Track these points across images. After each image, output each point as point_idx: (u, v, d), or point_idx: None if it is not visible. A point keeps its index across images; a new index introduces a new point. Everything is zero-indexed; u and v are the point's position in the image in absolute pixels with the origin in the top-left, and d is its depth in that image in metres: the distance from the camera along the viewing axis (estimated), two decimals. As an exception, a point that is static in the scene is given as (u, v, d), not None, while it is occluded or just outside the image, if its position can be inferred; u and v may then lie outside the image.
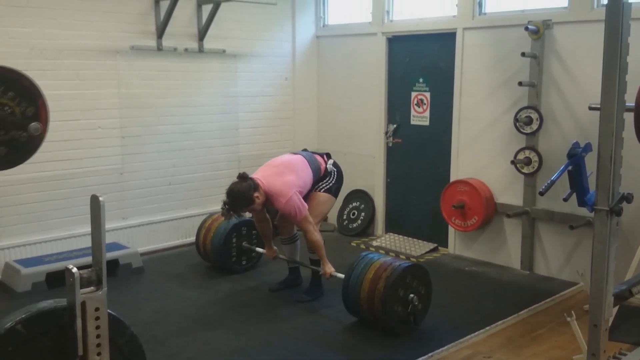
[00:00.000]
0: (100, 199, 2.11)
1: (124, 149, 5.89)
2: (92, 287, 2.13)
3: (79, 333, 2.08)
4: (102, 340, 2.13)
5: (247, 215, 4.94)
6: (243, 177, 4.52)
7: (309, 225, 4.64)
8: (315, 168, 4.82)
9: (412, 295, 4.18)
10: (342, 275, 4.46)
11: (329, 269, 4.69)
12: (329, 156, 5.02)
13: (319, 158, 4.93)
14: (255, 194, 4.49)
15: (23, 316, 2.07)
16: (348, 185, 5.74)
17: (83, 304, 2.08)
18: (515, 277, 5.54)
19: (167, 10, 5.81)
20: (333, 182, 4.91)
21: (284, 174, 4.63)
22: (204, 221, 5.70)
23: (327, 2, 7.20)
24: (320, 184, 4.85)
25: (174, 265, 5.84)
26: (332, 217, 7.01)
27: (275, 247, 5.13)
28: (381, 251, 6.02)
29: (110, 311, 2.18)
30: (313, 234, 4.65)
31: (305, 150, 5.17)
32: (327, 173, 4.90)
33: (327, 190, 4.88)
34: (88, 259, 2.16)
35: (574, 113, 5.22)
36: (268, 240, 5.08)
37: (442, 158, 6.21)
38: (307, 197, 4.80)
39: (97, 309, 2.11)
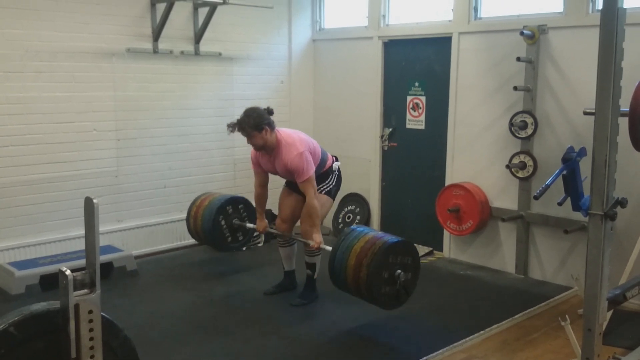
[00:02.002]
0: (94, 201, 2.10)
1: (119, 152, 5.88)
2: (85, 290, 2.12)
3: (72, 336, 2.07)
4: (96, 343, 2.12)
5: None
6: (269, 111, 4.59)
7: (312, 189, 4.58)
8: (323, 158, 4.82)
9: (398, 271, 4.08)
10: (329, 248, 4.37)
11: (319, 238, 4.61)
12: (336, 158, 5.02)
13: (328, 154, 4.94)
14: (266, 127, 4.49)
15: (16, 319, 2.05)
16: (343, 189, 5.73)
17: (76, 306, 2.07)
18: (509, 281, 5.55)
19: (163, 13, 5.81)
20: (333, 184, 4.90)
21: (301, 135, 4.71)
22: (190, 209, 5.54)
23: (324, 5, 7.21)
24: (320, 185, 4.83)
25: (169, 268, 5.83)
26: (328, 221, 7.00)
27: (266, 221, 5.08)
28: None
29: (103, 314, 2.17)
30: (313, 199, 4.59)
31: None
32: (330, 171, 4.87)
33: (327, 193, 4.87)
34: (82, 262, 2.15)
35: (568, 118, 5.24)
36: (261, 211, 5.04)
37: (438, 162, 6.22)
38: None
39: (90, 312, 2.10)
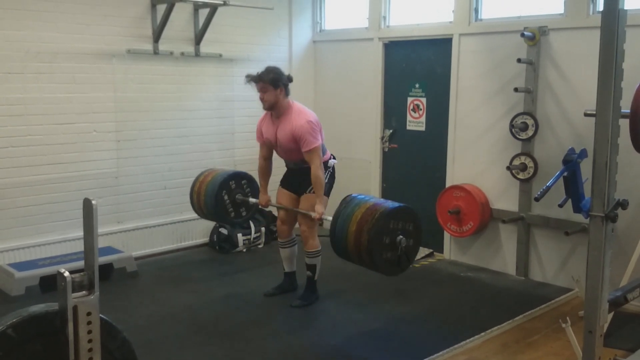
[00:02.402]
0: (93, 202, 2.09)
1: (120, 153, 5.88)
2: (84, 292, 2.10)
3: (71, 338, 2.05)
4: (94, 345, 2.10)
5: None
6: (289, 77, 4.70)
7: (318, 159, 4.59)
8: (323, 150, 4.80)
9: (400, 237, 4.02)
10: (330, 218, 4.33)
11: (321, 209, 4.59)
12: (334, 157, 4.99)
13: (327, 150, 4.93)
14: (282, 87, 4.59)
15: (14, 320, 2.03)
16: (344, 190, 5.70)
17: (75, 308, 2.05)
18: (510, 282, 5.54)
19: (164, 15, 5.80)
20: (326, 181, 4.87)
21: (312, 113, 4.78)
22: (193, 185, 5.41)
23: (324, 7, 7.21)
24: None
25: (169, 269, 5.82)
26: (328, 222, 6.98)
27: (269, 195, 5.06)
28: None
29: (102, 316, 2.16)
30: (318, 169, 4.59)
31: None
32: (325, 166, 4.82)
33: None
34: (82, 263, 2.14)
35: (569, 119, 5.23)
36: (264, 184, 5.03)
37: (438, 163, 6.22)
38: (302, 199, 4.80)
39: (89, 314, 2.08)
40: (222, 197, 5.22)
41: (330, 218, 4.31)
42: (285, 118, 4.64)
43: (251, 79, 4.66)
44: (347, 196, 4.33)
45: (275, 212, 5.36)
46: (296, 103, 4.73)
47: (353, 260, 4.20)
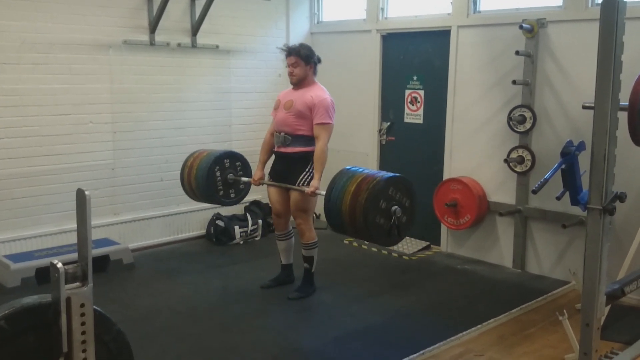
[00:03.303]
0: (86, 193, 2.08)
1: (116, 144, 5.85)
2: (77, 283, 2.09)
3: (64, 329, 2.04)
4: (88, 337, 2.09)
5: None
6: (319, 58, 4.87)
7: (326, 135, 4.70)
8: None
9: (395, 207, 4.01)
10: (323, 193, 4.27)
11: (316, 184, 4.57)
12: None
13: None
14: (312, 65, 4.77)
15: (6, 312, 2.02)
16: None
17: (68, 299, 2.04)
18: (507, 275, 5.54)
19: (160, 5, 5.76)
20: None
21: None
22: (186, 160, 5.28)
23: (322, -2, 7.18)
24: (310, 169, 4.73)
25: (165, 261, 5.81)
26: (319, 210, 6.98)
27: (264, 172, 5.04)
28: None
29: (96, 307, 2.15)
30: (324, 147, 4.67)
31: None
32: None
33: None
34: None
35: (567, 112, 5.21)
36: (264, 159, 5.03)
37: (436, 156, 6.20)
38: (292, 194, 4.75)
39: (82, 305, 2.07)
40: (214, 172, 5.10)
41: (324, 193, 4.23)
42: (308, 89, 4.76)
43: (287, 50, 4.78)
44: (346, 166, 4.29)
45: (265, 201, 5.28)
46: (320, 84, 4.85)
47: (345, 223, 4.08)
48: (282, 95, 4.95)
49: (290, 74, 4.77)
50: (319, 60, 4.86)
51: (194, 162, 5.18)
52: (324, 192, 4.26)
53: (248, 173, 5.19)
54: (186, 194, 5.32)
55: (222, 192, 5.17)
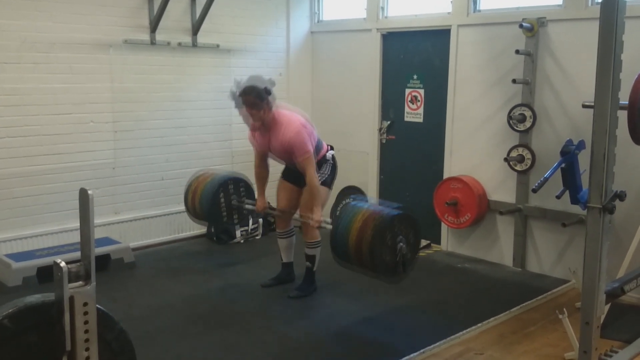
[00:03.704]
0: (89, 192, 2.09)
1: (117, 144, 5.86)
2: (80, 282, 2.10)
3: (67, 328, 2.05)
4: (91, 335, 2.10)
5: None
6: (268, 90, 4.51)
7: (311, 167, 4.53)
8: (319, 145, 4.76)
9: (400, 244, 4.02)
10: (330, 226, 4.30)
11: (319, 217, 4.55)
12: (331, 147, 4.98)
13: (323, 143, 4.89)
14: (267, 103, 4.45)
15: (10, 311, 2.03)
16: (341, 182, 5.73)
17: (71, 298, 2.05)
18: (507, 274, 5.54)
19: (161, 4, 5.77)
20: (328, 173, 4.85)
21: (299, 116, 4.64)
22: (189, 185, 5.38)
23: (322, -3, 7.19)
24: (321, 178, 4.75)
25: (166, 260, 5.82)
26: (325, 213, 6.98)
27: (266, 200, 5.03)
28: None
29: (99, 306, 2.15)
30: (313, 178, 4.55)
31: None
32: (324, 160, 4.81)
33: (323, 183, 4.81)
34: (79, 254, 2.14)
35: (567, 111, 5.22)
36: (261, 189, 5.00)
37: (436, 155, 6.21)
38: (305, 191, 4.76)
39: (85, 304, 2.08)
40: (219, 198, 5.21)
41: (330, 221, 4.30)
42: (276, 129, 4.57)
43: (236, 101, 4.54)
44: (349, 201, 4.30)
45: (273, 203, 5.32)
46: (281, 110, 4.61)
47: (351, 258, 4.14)
48: (256, 137, 4.77)
49: (255, 122, 4.55)
50: (270, 89, 4.54)
51: (197, 186, 5.28)
52: (329, 221, 4.31)
53: (251, 194, 5.28)
54: (189, 216, 5.43)
55: (226, 217, 5.29)
